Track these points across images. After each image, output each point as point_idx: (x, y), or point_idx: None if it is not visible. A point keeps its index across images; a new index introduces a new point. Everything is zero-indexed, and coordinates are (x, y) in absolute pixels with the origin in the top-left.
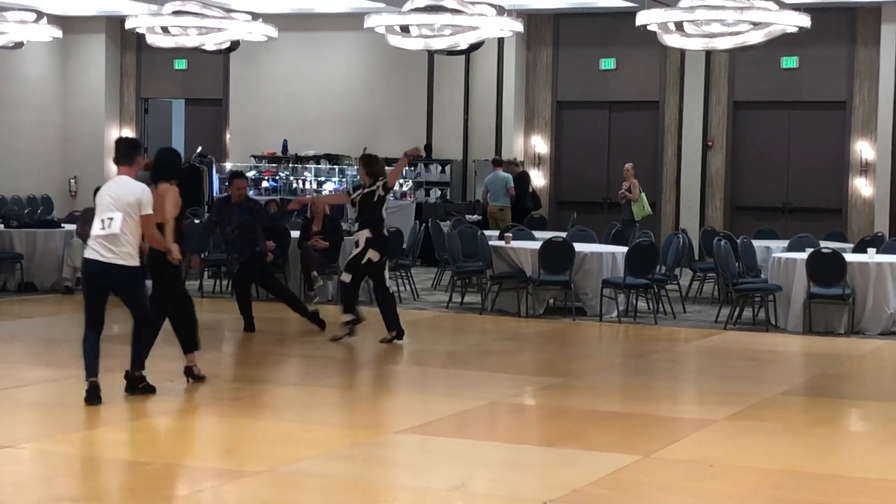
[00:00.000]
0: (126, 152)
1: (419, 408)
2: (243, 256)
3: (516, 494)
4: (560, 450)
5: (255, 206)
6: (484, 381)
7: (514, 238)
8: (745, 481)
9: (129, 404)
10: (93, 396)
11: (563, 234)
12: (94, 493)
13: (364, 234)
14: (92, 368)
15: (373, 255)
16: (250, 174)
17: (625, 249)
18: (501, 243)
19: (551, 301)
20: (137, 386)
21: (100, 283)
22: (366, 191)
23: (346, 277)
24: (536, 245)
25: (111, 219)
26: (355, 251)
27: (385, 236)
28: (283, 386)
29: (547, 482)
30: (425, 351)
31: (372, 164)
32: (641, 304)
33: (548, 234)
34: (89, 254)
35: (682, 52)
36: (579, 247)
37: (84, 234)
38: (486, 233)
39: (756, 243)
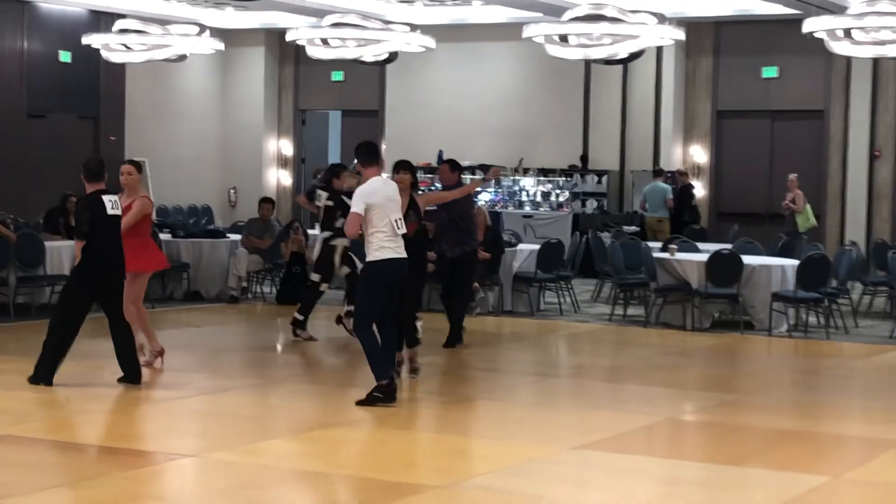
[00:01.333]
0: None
1: (592, 424)
2: (455, 251)
3: None
4: (745, 469)
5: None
6: (655, 396)
7: (678, 250)
8: None
9: (298, 415)
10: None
11: (729, 246)
12: (282, 503)
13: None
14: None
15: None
16: None
17: (794, 262)
18: (666, 255)
19: (717, 315)
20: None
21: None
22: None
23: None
24: (702, 257)
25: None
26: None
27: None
28: (453, 399)
29: (737, 502)
30: (591, 364)
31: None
32: (812, 319)
33: (710, 246)
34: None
35: (849, 59)
36: (747, 259)
37: (250, 245)
38: (648, 244)
39: None
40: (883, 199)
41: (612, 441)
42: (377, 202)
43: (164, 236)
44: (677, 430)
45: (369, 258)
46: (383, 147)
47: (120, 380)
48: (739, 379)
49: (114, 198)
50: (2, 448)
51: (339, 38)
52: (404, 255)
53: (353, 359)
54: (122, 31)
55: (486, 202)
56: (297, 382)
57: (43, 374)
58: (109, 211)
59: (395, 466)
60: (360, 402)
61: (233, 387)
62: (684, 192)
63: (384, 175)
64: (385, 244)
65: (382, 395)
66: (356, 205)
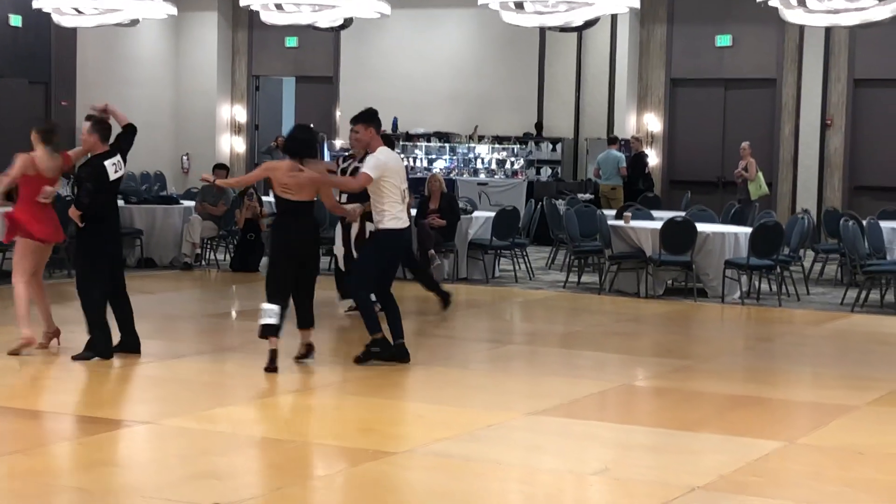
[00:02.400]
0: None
1: (549, 390)
2: None
3: (663, 480)
4: (701, 434)
5: None
6: (609, 362)
7: (633, 218)
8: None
9: (253, 381)
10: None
11: (683, 214)
12: (235, 470)
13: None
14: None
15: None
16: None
17: (747, 230)
18: (620, 223)
19: (671, 282)
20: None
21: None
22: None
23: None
24: (657, 225)
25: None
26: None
27: None
28: (410, 365)
29: (692, 468)
30: (546, 331)
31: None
32: (764, 286)
33: (664, 214)
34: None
35: (802, 28)
36: (701, 227)
37: (203, 211)
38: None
39: (880, 224)
40: (834, 167)
41: (566, 407)
42: (393, 170)
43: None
44: (631, 395)
45: (384, 226)
46: (338, 114)
47: (117, 348)
48: (692, 345)
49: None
50: None
51: (293, 4)
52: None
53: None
54: None
55: (441, 169)
56: (252, 349)
57: (101, 351)
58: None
59: (352, 433)
60: (357, 359)
61: (188, 353)
62: (637, 159)
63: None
64: (399, 214)
65: (380, 349)
66: (374, 170)
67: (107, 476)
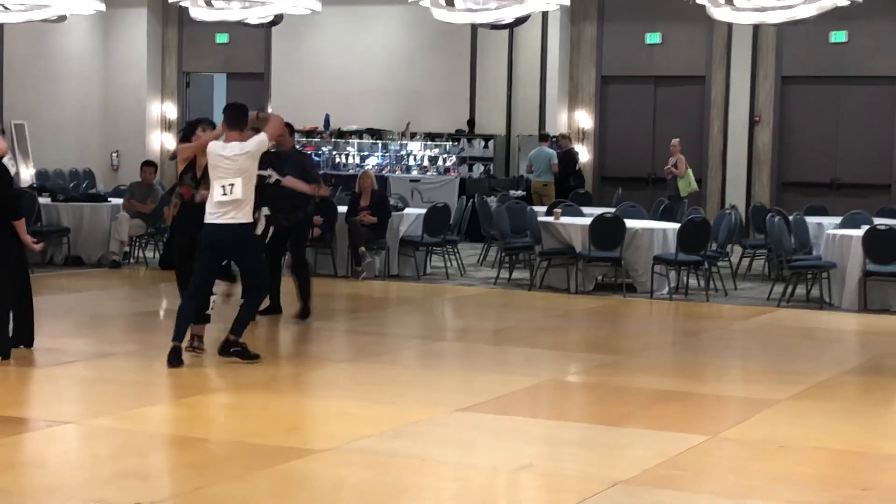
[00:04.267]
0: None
1: (475, 386)
2: (291, 218)
3: (586, 474)
4: (625, 429)
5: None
6: (538, 358)
7: (563, 214)
8: (817, 462)
9: (180, 380)
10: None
11: (613, 210)
12: (158, 470)
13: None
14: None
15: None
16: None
17: (675, 226)
18: (550, 219)
19: (601, 277)
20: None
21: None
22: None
23: None
24: (586, 221)
25: (232, 185)
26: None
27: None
28: (339, 363)
29: (615, 462)
30: (476, 327)
31: None
32: (692, 281)
33: (594, 210)
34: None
35: (730, 26)
36: (629, 223)
37: (132, 208)
38: (534, 209)
39: (806, 220)
40: (763, 163)
41: (495, 402)
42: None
43: (44, 200)
44: (560, 391)
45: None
46: (269, 110)
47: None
48: (621, 340)
49: None
50: None
51: (222, 0)
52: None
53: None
54: None
55: (373, 166)
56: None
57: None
58: None
59: (278, 431)
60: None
61: (114, 353)
62: (567, 156)
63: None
64: None
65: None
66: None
67: (25, 476)
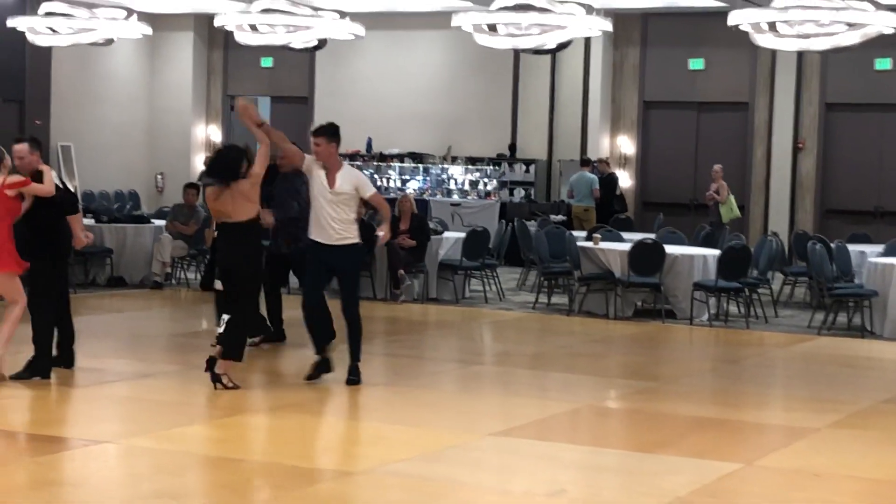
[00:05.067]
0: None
1: (511, 410)
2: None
3: (618, 502)
4: (659, 456)
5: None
6: (575, 383)
7: (602, 239)
8: (852, 491)
9: (218, 401)
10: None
11: (653, 236)
12: (194, 490)
13: None
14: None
15: None
16: None
17: (716, 252)
18: (590, 244)
19: (639, 303)
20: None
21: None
22: None
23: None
24: (626, 246)
25: None
26: None
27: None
28: (375, 386)
29: (649, 489)
30: (513, 352)
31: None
32: (732, 308)
33: (635, 236)
34: None
35: (774, 52)
36: (669, 248)
37: (174, 230)
38: (573, 233)
39: (849, 247)
40: (806, 190)
41: (531, 427)
42: None
43: (88, 221)
44: (597, 416)
45: (356, 241)
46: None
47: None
48: (660, 367)
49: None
50: None
51: (267, 24)
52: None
53: (277, 347)
54: (49, 14)
55: (413, 190)
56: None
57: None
58: None
59: (314, 452)
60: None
61: (154, 373)
62: (608, 181)
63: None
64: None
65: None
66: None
67: (63, 495)
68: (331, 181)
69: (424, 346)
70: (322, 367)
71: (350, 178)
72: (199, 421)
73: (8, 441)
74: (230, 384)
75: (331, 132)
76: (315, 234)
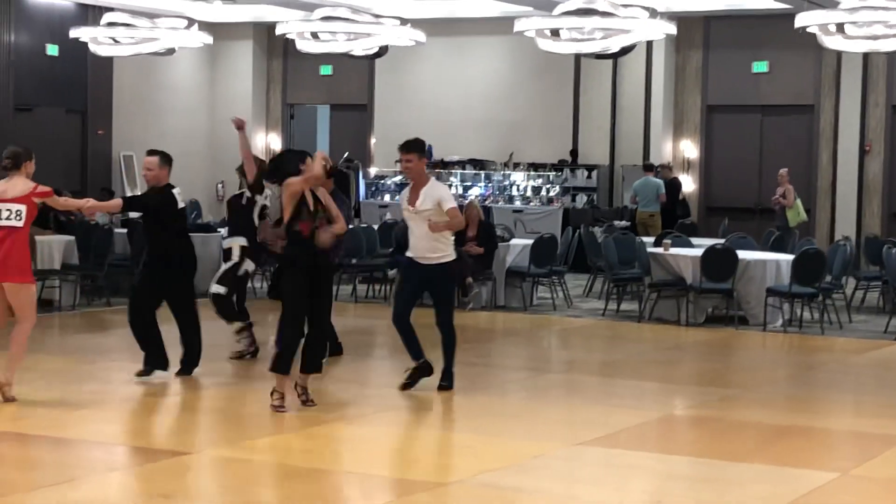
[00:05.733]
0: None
1: (595, 419)
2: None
3: None
4: (750, 465)
5: None
6: (653, 392)
7: (672, 245)
8: None
9: (300, 411)
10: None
11: (722, 241)
12: (283, 501)
13: (238, 243)
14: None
15: (249, 265)
16: (396, 179)
17: (788, 257)
18: (660, 250)
19: (711, 309)
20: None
21: None
22: (236, 193)
23: (221, 290)
24: (697, 252)
25: None
26: (230, 263)
27: (257, 244)
28: (449, 394)
29: (745, 500)
30: (586, 360)
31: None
32: (805, 314)
33: (703, 241)
34: None
35: (839, 54)
36: (741, 254)
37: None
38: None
39: None
40: (873, 193)
41: (612, 437)
42: None
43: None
44: (673, 425)
45: (450, 258)
46: (373, 142)
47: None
48: (735, 374)
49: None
50: (1, 444)
51: (329, 32)
52: None
53: (349, 355)
54: (111, 24)
55: (477, 196)
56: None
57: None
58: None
59: (397, 463)
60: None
61: (231, 382)
62: (672, 186)
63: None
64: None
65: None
66: (454, 201)
67: None
68: (413, 198)
69: (495, 353)
70: (423, 371)
71: (433, 194)
72: (283, 431)
73: (96, 453)
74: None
75: (421, 148)
76: (409, 251)
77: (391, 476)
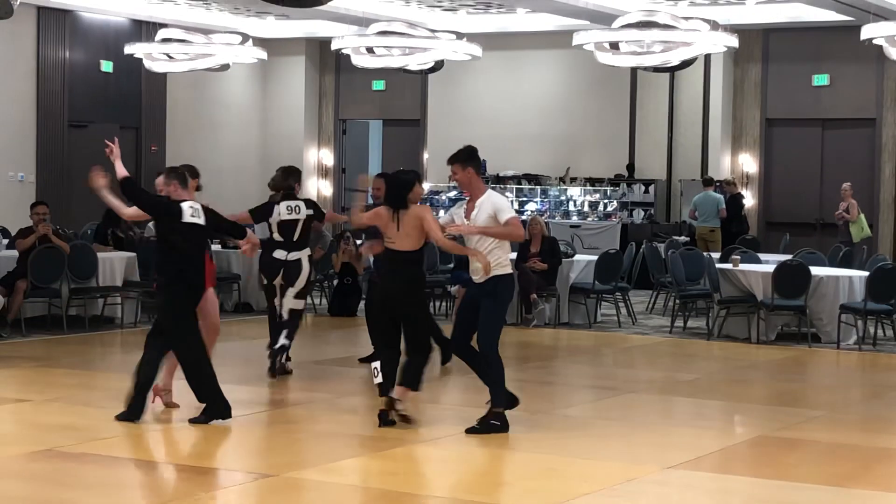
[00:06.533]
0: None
1: (683, 441)
2: None
3: None
4: (851, 490)
5: None
6: (736, 412)
7: (740, 261)
8: None
9: (376, 431)
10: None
11: (790, 257)
12: None
13: (307, 254)
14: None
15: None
16: (451, 195)
17: (862, 273)
18: (728, 266)
19: (781, 326)
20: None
21: None
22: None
23: (300, 304)
24: (768, 268)
25: None
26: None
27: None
28: (533, 414)
29: None
30: (665, 379)
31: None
32: (879, 331)
33: (768, 257)
34: None
35: None
36: (814, 270)
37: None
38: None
39: None
40: None
41: (709, 459)
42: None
43: (215, 247)
44: (776, 448)
45: (500, 272)
46: (426, 157)
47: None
48: (819, 394)
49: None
50: (79, 466)
51: (384, 47)
52: None
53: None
54: (165, 40)
55: (532, 212)
56: (365, 396)
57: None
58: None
59: (487, 486)
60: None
61: (301, 401)
62: (734, 201)
63: None
64: (507, 259)
65: (500, 423)
66: (512, 211)
67: None
68: (469, 210)
69: (562, 372)
70: (507, 402)
71: (488, 205)
72: (362, 452)
73: (174, 474)
74: (405, 413)
75: (462, 157)
76: (469, 269)
77: (483, 500)
